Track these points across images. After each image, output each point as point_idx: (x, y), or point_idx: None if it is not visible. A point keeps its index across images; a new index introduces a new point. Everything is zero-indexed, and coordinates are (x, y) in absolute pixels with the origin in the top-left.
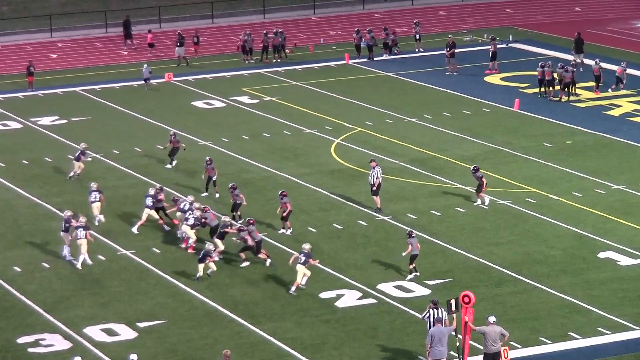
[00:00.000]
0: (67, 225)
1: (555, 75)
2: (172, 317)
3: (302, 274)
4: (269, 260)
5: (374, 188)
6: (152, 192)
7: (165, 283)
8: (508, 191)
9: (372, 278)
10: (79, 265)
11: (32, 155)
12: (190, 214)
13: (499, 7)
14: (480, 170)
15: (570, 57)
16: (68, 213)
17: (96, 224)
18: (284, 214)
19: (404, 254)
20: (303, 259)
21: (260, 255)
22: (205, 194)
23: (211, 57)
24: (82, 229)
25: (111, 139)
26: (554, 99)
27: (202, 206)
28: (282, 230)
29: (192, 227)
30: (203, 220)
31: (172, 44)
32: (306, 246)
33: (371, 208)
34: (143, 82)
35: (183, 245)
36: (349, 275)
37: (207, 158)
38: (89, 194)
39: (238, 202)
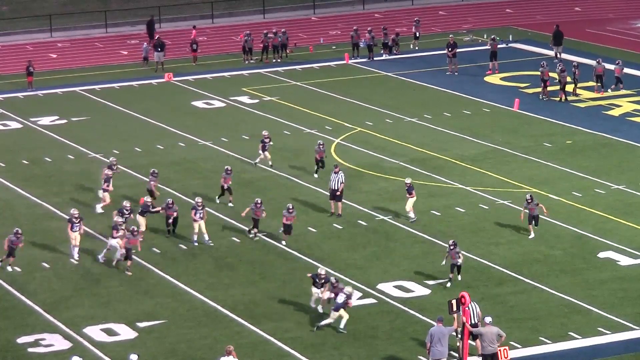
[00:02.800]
0: (74, 223)
1: (554, 75)
2: (172, 317)
3: (339, 316)
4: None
5: (338, 193)
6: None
7: (165, 283)
8: (508, 191)
9: (372, 278)
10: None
11: (32, 155)
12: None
13: (498, 7)
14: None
15: (572, 58)
16: (75, 212)
17: (210, 243)
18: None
19: (443, 262)
20: (343, 298)
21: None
22: (217, 201)
23: (211, 57)
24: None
25: (111, 139)
26: (554, 99)
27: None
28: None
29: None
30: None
31: (172, 44)
32: (348, 289)
33: (371, 208)
34: (143, 60)
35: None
36: (349, 275)
37: (228, 167)
38: (192, 210)
39: (256, 218)
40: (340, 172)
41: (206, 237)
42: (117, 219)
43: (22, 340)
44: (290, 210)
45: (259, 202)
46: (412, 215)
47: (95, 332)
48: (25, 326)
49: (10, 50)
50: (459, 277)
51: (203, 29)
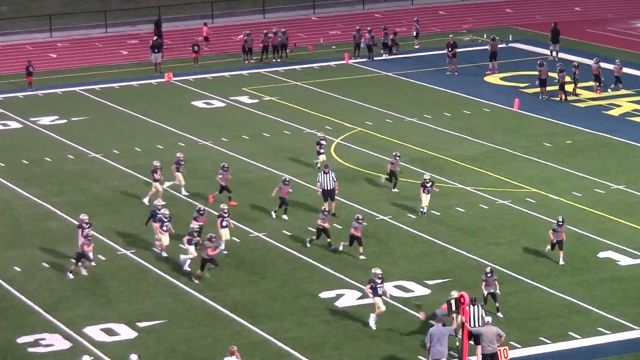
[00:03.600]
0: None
1: (553, 74)
2: (172, 317)
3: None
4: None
5: (336, 192)
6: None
7: (165, 283)
8: (508, 191)
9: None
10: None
11: (32, 155)
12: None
13: (498, 7)
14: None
15: (571, 58)
16: (85, 217)
17: (225, 252)
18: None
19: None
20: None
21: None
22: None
23: (211, 57)
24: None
25: (111, 139)
26: (554, 98)
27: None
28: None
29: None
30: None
31: (172, 44)
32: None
33: (371, 208)
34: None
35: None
36: (349, 275)
37: (224, 164)
38: (219, 218)
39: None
40: (330, 171)
41: (223, 245)
42: (194, 225)
43: (22, 340)
44: (360, 220)
45: (287, 179)
46: (425, 210)
47: (95, 332)
48: (25, 326)
49: (10, 50)
50: (499, 312)
51: (203, 29)
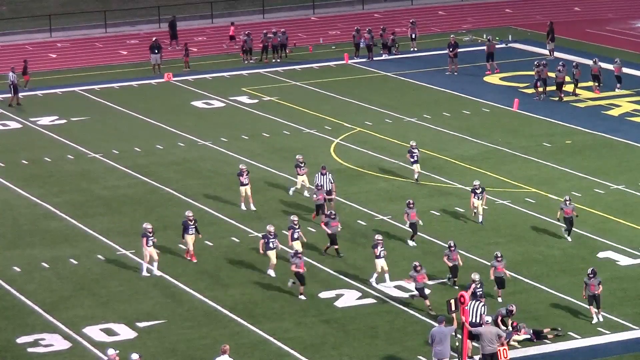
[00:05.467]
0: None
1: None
2: (171, 317)
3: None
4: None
5: (333, 195)
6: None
7: (165, 283)
8: (508, 191)
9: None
10: (156, 271)
11: (32, 155)
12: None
13: (498, 7)
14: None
15: (571, 58)
16: (149, 226)
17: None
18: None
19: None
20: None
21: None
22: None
23: (211, 57)
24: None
25: (111, 139)
26: (553, 98)
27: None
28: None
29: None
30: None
31: (172, 44)
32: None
33: (371, 208)
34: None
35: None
36: (349, 276)
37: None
38: (290, 228)
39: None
40: (327, 173)
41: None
42: (294, 217)
43: (22, 340)
44: (299, 255)
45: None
46: (480, 218)
47: (95, 332)
48: (25, 326)
49: (10, 50)
50: (499, 298)
51: (203, 29)
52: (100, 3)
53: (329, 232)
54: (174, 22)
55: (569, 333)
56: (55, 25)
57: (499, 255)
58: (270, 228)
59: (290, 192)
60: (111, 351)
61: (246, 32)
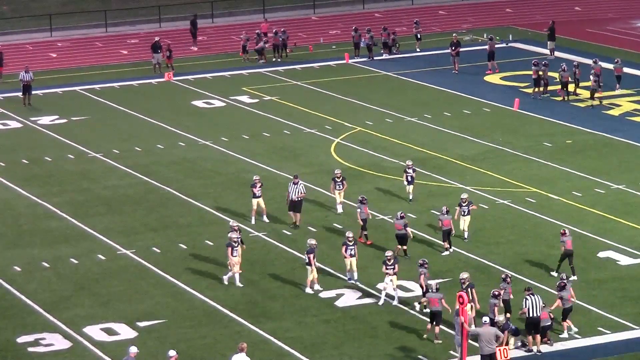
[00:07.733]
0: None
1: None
2: (172, 317)
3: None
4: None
5: (297, 201)
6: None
7: (165, 283)
8: (508, 191)
9: (372, 278)
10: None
11: (32, 154)
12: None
13: (498, 7)
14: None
15: (571, 58)
16: (234, 235)
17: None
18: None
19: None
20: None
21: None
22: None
23: (211, 57)
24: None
25: (111, 138)
26: (554, 98)
27: None
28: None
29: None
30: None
31: (172, 44)
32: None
33: (371, 208)
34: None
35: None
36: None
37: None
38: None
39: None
40: (300, 183)
41: (355, 275)
42: (349, 234)
43: (22, 339)
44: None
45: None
46: (466, 235)
47: (95, 331)
48: (25, 326)
49: (10, 50)
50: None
51: (203, 29)
52: (101, 3)
53: (360, 219)
54: (195, 21)
55: (569, 333)
56: (56, 25)
57: (509, 278)
58: (349, 234)
59: (339, 210)
60: (133, 349)
61: (245, 33)
